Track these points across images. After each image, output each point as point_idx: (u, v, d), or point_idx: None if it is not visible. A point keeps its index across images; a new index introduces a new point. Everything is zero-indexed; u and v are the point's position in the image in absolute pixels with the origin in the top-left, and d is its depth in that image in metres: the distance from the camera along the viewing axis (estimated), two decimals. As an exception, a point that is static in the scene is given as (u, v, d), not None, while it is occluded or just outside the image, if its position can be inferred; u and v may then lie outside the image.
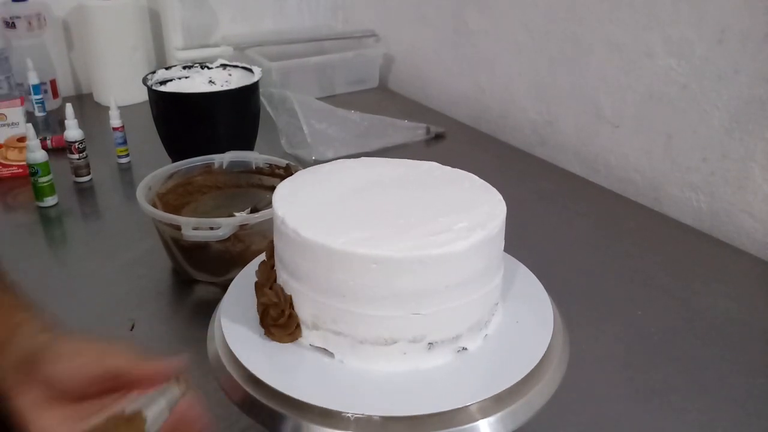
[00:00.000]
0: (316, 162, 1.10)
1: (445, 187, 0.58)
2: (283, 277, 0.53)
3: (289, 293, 0.53)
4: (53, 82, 1.38)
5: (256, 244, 0.74)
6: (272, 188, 0.86)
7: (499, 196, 0.56)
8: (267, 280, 0.56)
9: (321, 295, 0.50)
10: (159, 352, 0.46)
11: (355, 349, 0.51)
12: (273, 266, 0.56)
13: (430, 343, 0.50)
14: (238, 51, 1.48)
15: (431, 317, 0.49)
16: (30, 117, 1.20)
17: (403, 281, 0.48)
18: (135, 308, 0.76)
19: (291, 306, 0.53)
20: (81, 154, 1.04)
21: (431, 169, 0.61)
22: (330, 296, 0.50)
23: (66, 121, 1.03)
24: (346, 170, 0.61)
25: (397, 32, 1.56)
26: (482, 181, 0.59)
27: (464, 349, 0.52)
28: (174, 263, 0.81)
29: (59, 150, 1.11)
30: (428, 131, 1.26)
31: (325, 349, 0.52)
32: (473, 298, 0.51)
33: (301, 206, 0.53)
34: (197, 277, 0.79)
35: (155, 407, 0.41)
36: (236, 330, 0.54)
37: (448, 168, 0.61)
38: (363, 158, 0.64)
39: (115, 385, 0.44)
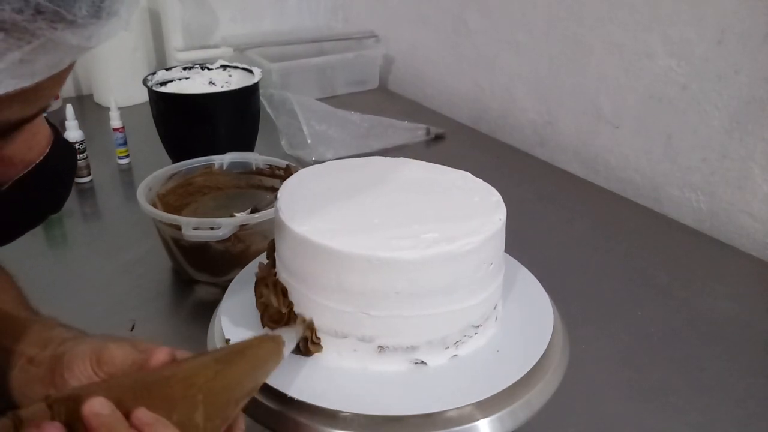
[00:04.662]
0: (316, 163, 1.10)
1: (444, 187, 0.58)
2: (283, 277, 0.54)
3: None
4: (53, 83, 1.38)
5: (257, 245, 0.74)
6: (272, 189, 0.87)
7: (498, 196, 0.56)
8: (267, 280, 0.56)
9: (318, 295, 0.50)
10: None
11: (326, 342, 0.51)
12: (273, 266, 0.56)
13: (380, 347, 0.50)
14: (238, 52, 1.48)
15: (380, 320, 0.49)
16: (30, 118, 1.20)
17: (352, 278, 0.48)
18: (135, 308, 0.75)
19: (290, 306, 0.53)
20: (81, 155, 1.04)
21: (438, 170, 0.61)
22: (327, 296, 0.50)
23: (66, 122, 1.03)
24: (349, 170, 0.61)
25: (397, 32, 1.56)
26: (481, 181, 0.59)
27: (422, 362, 0.50)
28: (174, 263, 0.81)
29: (59, 151, 1.11)
30: (428, 132, 1.26)
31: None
32: (430, 312, 0.49)
33: (301, 205, 0.53)
34: (197, 277, 0.79)
35: (289, 335, 0.49)
36: (236, 330, 0.54)
37: (451, 169, 0.61)
38: (370, 157, 0.64)
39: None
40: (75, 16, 0.27)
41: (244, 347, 0.44)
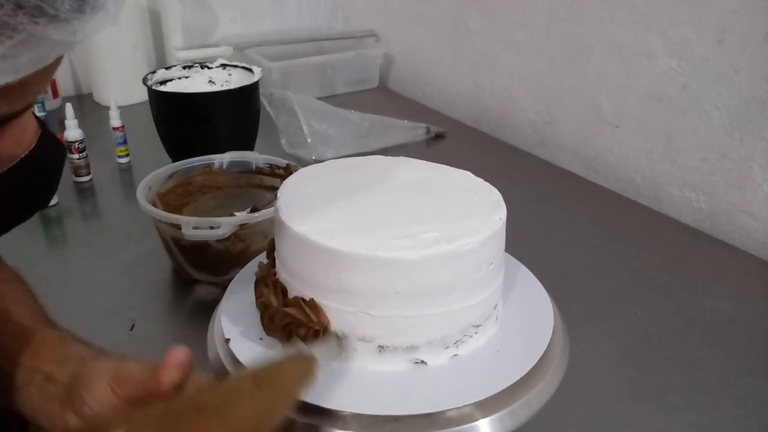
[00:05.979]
0: (316, 162, 1.09)
1: (444, 186, 0.58)
2: (282, 276, 0.54)
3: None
4: (53, 82, 1.38)
5: (256, 244, 0.74)
6: (272, 188, 0.87)
7: (498, 196, 0.55)
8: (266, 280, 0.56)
9: (318, 295, 0.50)
10: (159, 352, 0.46)
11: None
12: (273, 265, 0.56)
13: (380, 346, 0.50)
14: (238, 51, 1.48)
15: (380, 320, 0.49)
16: (30, 117, 1.20)
17: (352, 278, 0.47)
18: (135, 308, 0.75)
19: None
20: (81, 154, 1.04)
21: (439, 170, 0.61)
22: (327, 296, 0.50)
23: (66, 121, 1.03)
24: (349, 169, 0.61)
25: (397, 32, 1.56)
26: (481, 180, 0.58)
27: (422, 362, 0.50)
28: (174, 263, 0.81)
29: (59, 150, 1.11)
30: (428, 131, 1.26)
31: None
32: (430, 312, 0.49)
33: (301, 205, 0.53)
34: (197, 277, 0.79)
35: (322, 353, 0.47)
36: (236, 330, 0.54)
37: (451, 168, 0.61)
38: (370, 157, 0.64)
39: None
40: (57, 11, 0.26)
41: (282, 368, 0.43)
